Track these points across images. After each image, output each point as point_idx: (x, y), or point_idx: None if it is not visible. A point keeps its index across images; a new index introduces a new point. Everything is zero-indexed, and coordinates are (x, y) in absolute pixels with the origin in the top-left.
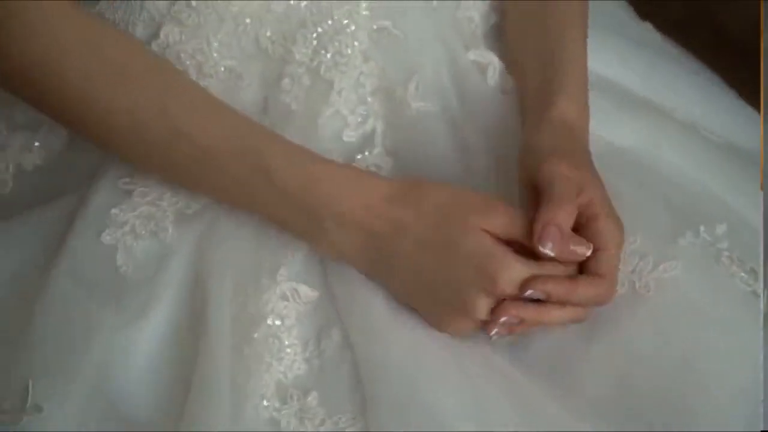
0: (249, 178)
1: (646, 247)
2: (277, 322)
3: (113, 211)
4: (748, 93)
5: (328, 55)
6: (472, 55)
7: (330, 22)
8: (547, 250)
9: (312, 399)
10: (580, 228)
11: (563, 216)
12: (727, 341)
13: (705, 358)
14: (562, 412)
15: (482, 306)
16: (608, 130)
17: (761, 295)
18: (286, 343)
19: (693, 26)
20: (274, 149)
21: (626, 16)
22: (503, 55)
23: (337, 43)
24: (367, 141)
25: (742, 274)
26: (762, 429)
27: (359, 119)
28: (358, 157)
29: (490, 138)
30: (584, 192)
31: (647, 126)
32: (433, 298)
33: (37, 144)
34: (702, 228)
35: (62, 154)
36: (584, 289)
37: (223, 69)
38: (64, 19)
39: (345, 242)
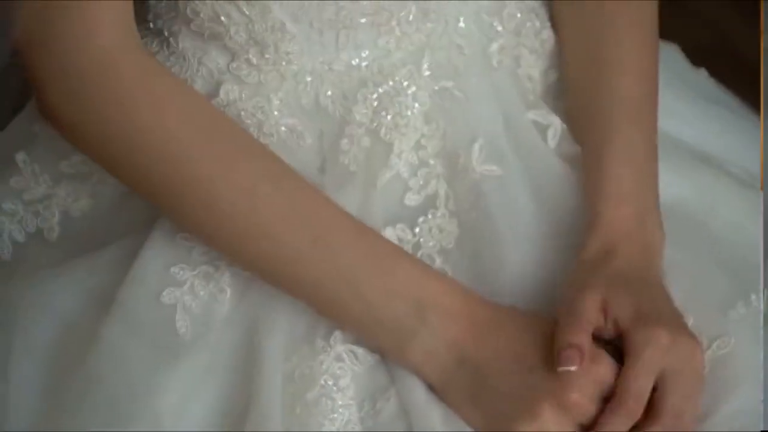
0: (362, 265)
1: (700, 326)
2: (330, 383)
3: (173, 269)
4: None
5: (389, 117)
6: (531, 115)
7: (391, 83)
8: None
9: None
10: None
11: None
12: None
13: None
14: None
15: (548, 414)
16: (662, 185)
17: (761, 295)
18: (340, 403)
19: (716, 54)
20: (385, 240)
21: (680, 62)
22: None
23: (397, 105)
24: (429, 203)
25: None
26: (762, 429)
27: (421, 182)
28: (421, 219)
29: (546, 202)
30: (609, 311)
31: (702, 180)
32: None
33: (87, 191)
34: (753, 296)
35: (112, 200)
36: (606, 425)
37: (283, 129)
38: (167, 89)
39: (439, 337)
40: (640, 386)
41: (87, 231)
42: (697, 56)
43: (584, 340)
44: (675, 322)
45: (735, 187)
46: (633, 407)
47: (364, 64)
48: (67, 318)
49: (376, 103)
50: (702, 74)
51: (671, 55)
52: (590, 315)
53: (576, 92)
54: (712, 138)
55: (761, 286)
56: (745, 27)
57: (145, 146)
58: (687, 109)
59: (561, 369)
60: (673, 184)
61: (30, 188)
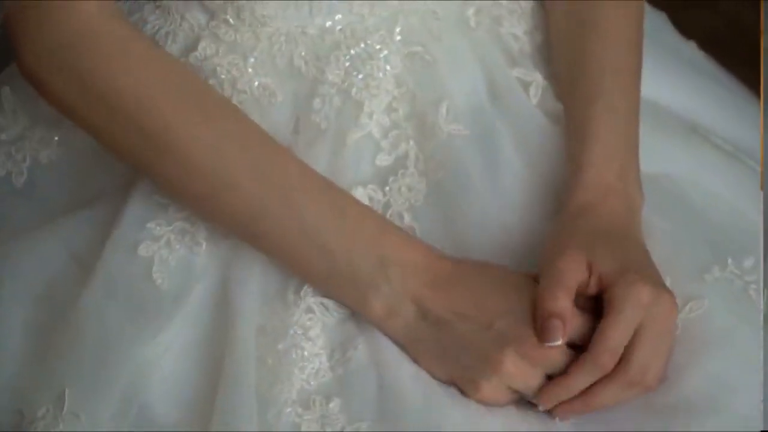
0: (326, 221)
1: (675, 288)
2: (300, 333)
3: (149, 225)
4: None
5: (360, 77)
6: (516, 73)
7: (363, 45)
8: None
9: (334, 405)
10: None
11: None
12: (754, 376)
13: (730, 391)
14: None
15: (509, 363)
16: (647, 156)
17: (761, 294)
18: (307, 353)
19: (725, 38)
20: (350, 197)
21: (669, 32)
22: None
23: (369, 67)
24: (399, 164)
25: None
26: (762, 429)
27: (392, 143)
28: (392, 179)
29: (530, 155)
30: (594, 268)
31: (687, 149)
32: (468, 357)
33: (56, 138)
34: (730, 261)
35: (81, 152)
36: (575, 378)
37: (257, 84)
38: (143, 54)
39: (400, 292)
40: (616, 342)
41: (55, 182)
42: (709, 44)
43: (566, 304)
44: (656, 278)
45: (720, 158)
46: (606, 361)
47: (338, 27)
48: (49, 277)
49: (348, 64)
50: (691, 46)
51: (660, 26)
52: (572, 275)
53: (560, 58)
54: (699, 108)
55: (761, 286)
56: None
57: (121, 109)
58: (675, 79)
59: (547, 345)
60: (659, 153)
61: (8, 127)
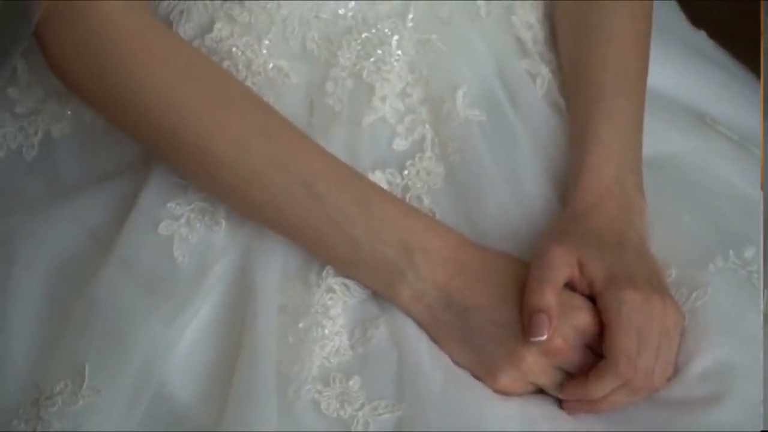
0: (350, 209)
1: (680, 278)
2: (321, 312)
3: (169, 204)
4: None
5: (371, 60)
6: (524, 64)
7: (374, 30)
8: (541, 339)
9: (354, 383)
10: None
11: (547, 300)
12: (759, 360)
13: (735, 378)
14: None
15: (530, 360)
16: (654, 142)
17: (761, 294)
18: (328, 331)
19: (736, 28)
20: (373, 184)
21: (679, 22)
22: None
23: (380, 51)
24: (416, 148)
25: None
26: (762, 429)
27: (408, 127)
28: (409, 163)
29: (540, 144)
30: (584, 269)
31: (695, 138)
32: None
33: (69, 113)
34: (731, 252)
35: (94, 127)
36: (597, 386)
37: (271, 66)
38: (164, 46)
39: (427, 280)
40: (629, 347)
41: (68, 157)
42: (721, 33)
43: (552, 298)
44: (647, 282)
45: (726, 146)
46: (626, 370)
47: (350, 14)
48: (65, 251)
49: (359, 48)
50: (701, 35)
51: (671, 15)
52: (560, 271)
53: (564, 57)
54: (707, 97)
55: (761, 286)
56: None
57: (144, 102)
58: (684, 68)
59: (533, 340)
60: (667, 140)
61: (22, 100)
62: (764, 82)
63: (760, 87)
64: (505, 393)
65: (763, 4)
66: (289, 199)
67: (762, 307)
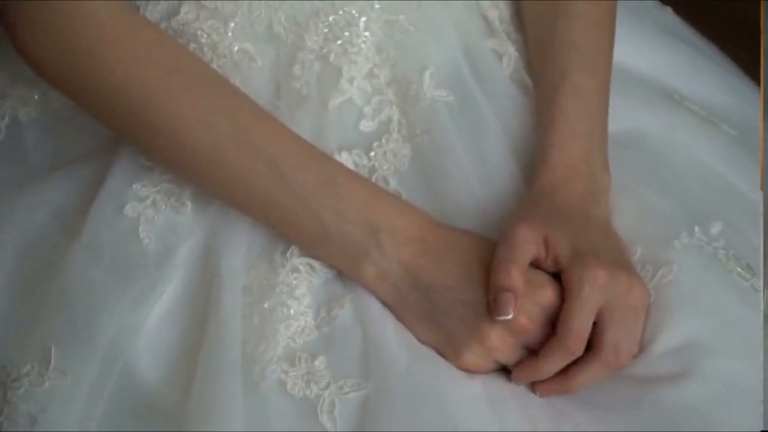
0: (315, 189)
1: (646, 256)
2: (286, 292)
3: (135, 186)
4: (744, 59)
5: (338, 42)
6: (491, 44)
7: (341, 12)
8: (507, 317)
9: (319, 363)
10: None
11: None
12: (726, 336)
13: (703, 353)
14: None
15: (495, 337)
16: (621, 118)
17: (761, 295)
18: (293, 311)
19: (711, 10)
20: (339, 164)
21: (646, 1)
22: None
23: (347, 33)
24: (383, 129)
25: (739, 269)
26: (762, 429)
27: (375, 109)
28: (376, 144)
29: (507, 123)
30: (550, 247)
31: (663, 114)
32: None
33: (36, 97)
34: (697, 229)
35: (62, 111)
36: (546, 362)
37: (236, 49)
38: (132, 27)
39: (392, 258)
40: (580, 324)
41: (35, 141)
42: (691, 14)
43: (518, 278)
44: (613, 259)
45: (694, 122)
46: (573, 345)
47: None
48: (32, 235)
49: (326, 30)
50: (668, 12)
51: None
52: (526, 249)
53: (530, 37)
54: (674, 74)
55: (761, 286)
56: None
57: (110, 81)
58: (650, 45)
59: (499, 319)
60: (635, 117)
61: None
62: (764, 82)
63: (760, 87)
64: (468, 371)
65: (763, 4)
66: (256, 179)
67: (762, 307)
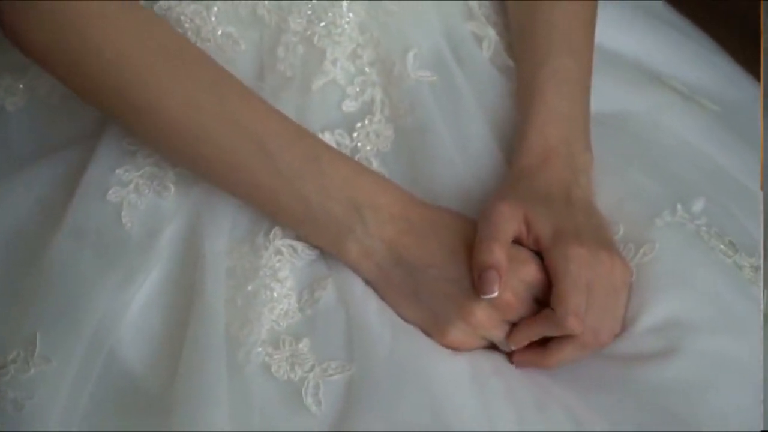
0: (300, 167)
1: (628, 234)
2: (269, 274)
3: (118, 171)
4: (744, 58)
5: (322, 24)
6: (471, 27)
7: None
8: (492, 295)
9: (303, 345)
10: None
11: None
12: (710, 313)
13: (687, 330)
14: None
15: (480, 314)
16: (605, 98)
17: (761, 295)
18: (277, 294)
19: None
20: (324, 143)
21: None
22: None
23: (330, 14)
24: (366, 110)
25: (722, 246)
26: (762, 429)
27: (358, 89)
28: (359, 125)
29: (488, 105)
30: (531, 227)
31: (647, 94)
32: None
33: (21, 86)
34: (679, 207)
35: (48, 100)
36: (538, 327)
37: (220, 33)
38: (118, 7)
39: (375, 236)
40: (576, 302)
41: (22, 130)
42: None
43: (501, 255)
44: (594, 239)
45: (678, 100)
46: (573, 325)
47: None
48: (18, 222)
49: (310, 12)
50: None
51: None
52: (507, 227)
53: (513, 18)
54: (657, 54)
55: (761, 285)
56: None
57: (97, 60)
58: (633, 26)
59: (485, 298)
60: (619, 97)
61: None
62: (764, 82)
63: (760, 87)
64: (454, 348)
65: (763, 4)
66: (241, 157)
67: (762, 307)
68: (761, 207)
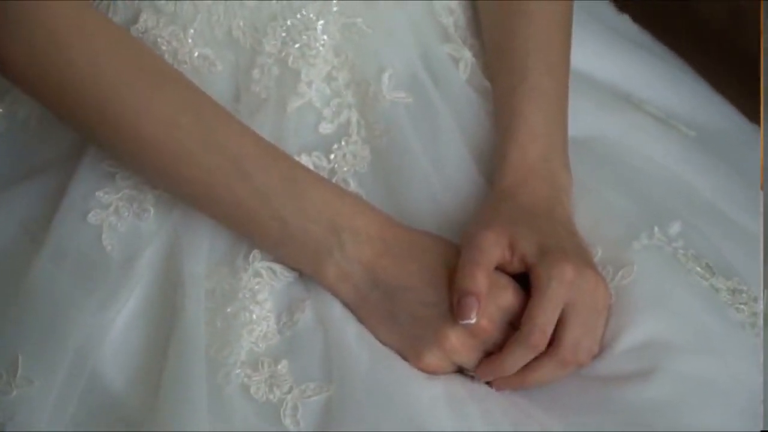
0: (277, 187)
1: (606, 257)
2: (248, 296)
3: (98, 193)
4: (723, 83)
5: (296, 46)
6: (447, 48)
7: (299, 16)
8: (470, 322)
9: (282, 367)
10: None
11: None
12: (688, 335)
13: (665, 351)
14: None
15: (455, 339)
16: (580, 122)
17: (761, 295)
18: (256, 316)
19: (669, 16)
20: (301, 165)
21: (604, 7)
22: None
23: (305, 37)
24: (342, 131)
25: (698, 269)
26: (762, 429)
27: (334, 111)
28: (335, 146)
29: (465, 126)
30: (516, 248)
31: (621, 117)
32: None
33: (1, 111)
34: (656, 229)
35: (26, 124)
36: (509, 357)
37: (197, 55)
38: (96, 24)
39: (353, 258)
40: (545, 320)
41: (3, 155)
42: (654, 21)
43: (483, 282)
44: (579, 257)
45: (652, 124)
46: (537, 340)
47: (273, 2)
48: (1, 246)
49: (284, 35)
50: (625, 19)
51: (595, 1)
52: (491, 253)
53: (488, 39)
54: (632, 79)
55: (761, 286)
56: None
57: (75, 79)
58: (607, 50)
59: (462, 323)
60: (593, 120)
61: None
62: (764, 81)
63: (760, 87)
64: (428, 372)
65: (762, 4)
66: (219, 177)
67: (762, 307)
68: (761, 207)
